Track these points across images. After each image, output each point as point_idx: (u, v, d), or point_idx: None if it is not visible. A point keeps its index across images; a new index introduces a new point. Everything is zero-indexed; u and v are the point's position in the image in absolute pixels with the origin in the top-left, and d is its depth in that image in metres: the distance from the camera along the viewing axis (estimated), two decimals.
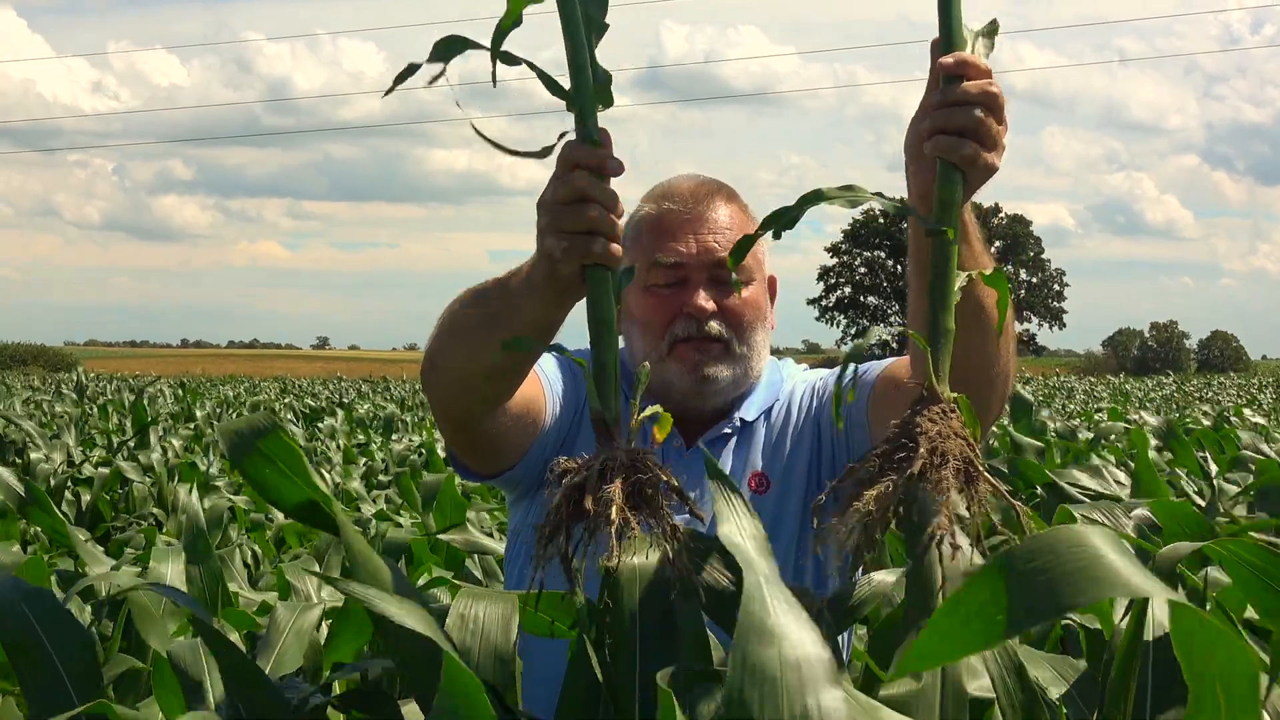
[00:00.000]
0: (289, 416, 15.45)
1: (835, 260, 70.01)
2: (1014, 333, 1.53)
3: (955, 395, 1.12)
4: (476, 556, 4.06)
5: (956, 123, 1.24)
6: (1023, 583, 0.78)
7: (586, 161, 1.28)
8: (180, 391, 19.91)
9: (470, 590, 1.29)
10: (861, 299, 68.02)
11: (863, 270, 69.07)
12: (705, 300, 1.89)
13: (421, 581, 3.43)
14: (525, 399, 1.75)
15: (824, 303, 69.25)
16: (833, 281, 69.60)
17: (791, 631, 0.81)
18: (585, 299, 1.30)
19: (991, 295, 1.37)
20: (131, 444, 7.99)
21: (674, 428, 1.91)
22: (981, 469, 1.05)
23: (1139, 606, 1.39)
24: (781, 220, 1.16)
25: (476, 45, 1.19)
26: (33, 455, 7.67)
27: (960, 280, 1.17)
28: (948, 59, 1.24)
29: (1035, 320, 69.79)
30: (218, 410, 16.22)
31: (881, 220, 65.00)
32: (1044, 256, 70.30)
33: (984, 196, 1.37)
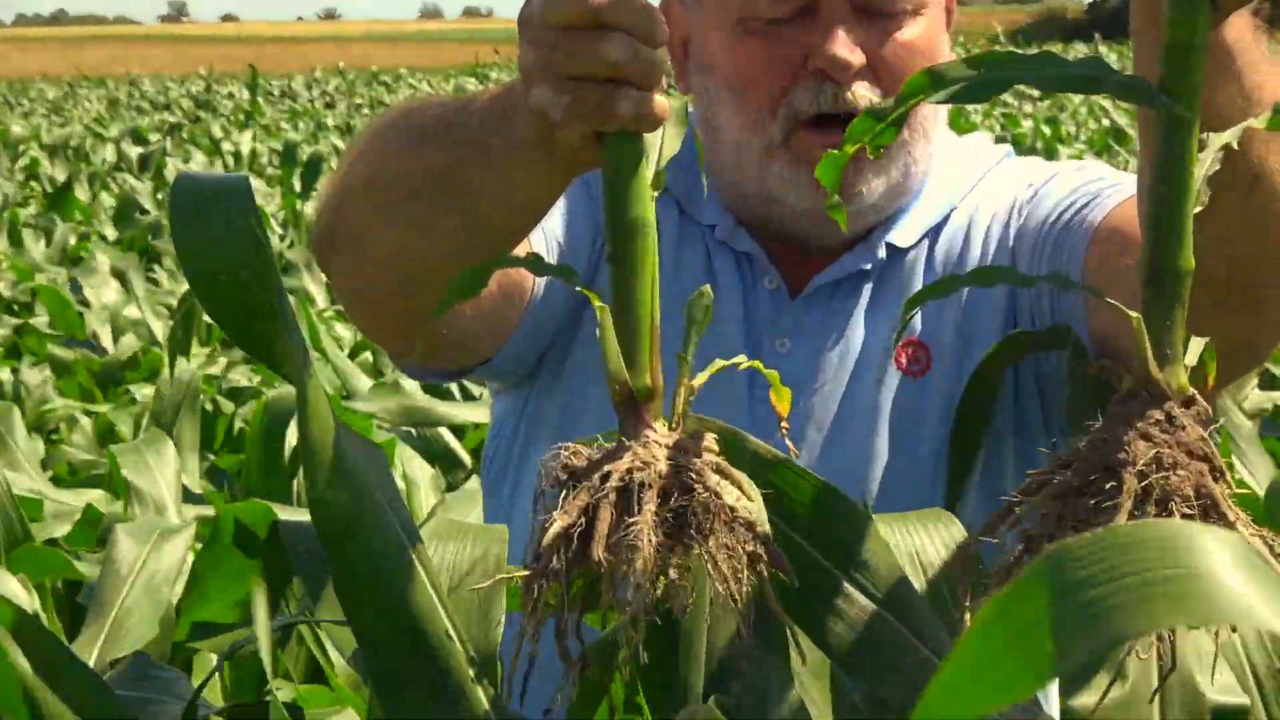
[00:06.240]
0: None
1: None
2: None
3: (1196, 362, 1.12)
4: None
5: None
6: (1072, 597, 0.79)
7: None
8: None
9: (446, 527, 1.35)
10: None
11: None
12: (848, 46, 1.78)
13: None
14: (505, 273, 1.75)
15: None
16: None
17: None
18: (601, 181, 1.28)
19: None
20: None
21: (774, 267, 1.91)
22: (1235, 517, 1.06)
23: None
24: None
25: None
26: None
27: (1214, 155, 1.14)
28: None
29: None
30: None
31: None
32: None
33: None
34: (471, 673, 1.20)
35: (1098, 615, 0.77)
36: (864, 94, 1.78)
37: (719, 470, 1.18)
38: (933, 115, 1.87)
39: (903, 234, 1.90)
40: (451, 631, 1.21)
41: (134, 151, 16.79)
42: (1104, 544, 0.80)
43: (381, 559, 1.21)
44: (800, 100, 1.79)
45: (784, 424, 1.30)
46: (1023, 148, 13.20)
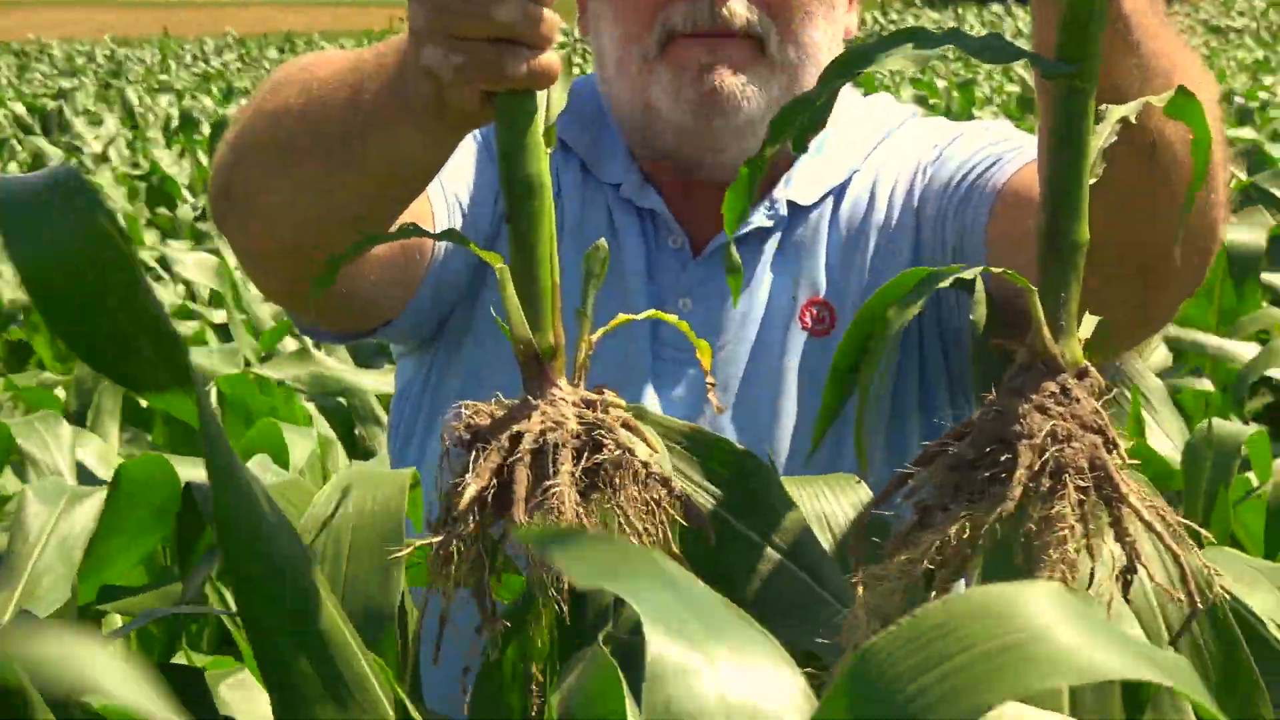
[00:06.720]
0: None
1: None
2: (1224, 173, 1.50)
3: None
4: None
5: None
6: (885, 701, 0.74)
7: None
8: None
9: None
10: None
11: None
12: None
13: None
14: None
15: None
16: None
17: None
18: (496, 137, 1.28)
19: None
20: None
21: (678, 224, 1.91)
22: (1128, 489, 1.05)
23: None
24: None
25: None
26: None
27: (1112, 126, 1.13)
28: None
29: None
30: None
31: None
32: None
33: None
34: (370, 672, 1.17)
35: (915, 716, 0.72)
36: (740, 11, 1.78)
37: (627, 425, 1.19)
38: (827, 46, 1.85)
39: (804, 191, 1.90)
40: (351, 636, 1.17)
41: (34, 120, 16.57)
42: (916, 631, 0.75)
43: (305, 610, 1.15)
44: (675, 13, 1.79)
45: (710, 378, 1.33)
46: (937, 112, 13.27)
